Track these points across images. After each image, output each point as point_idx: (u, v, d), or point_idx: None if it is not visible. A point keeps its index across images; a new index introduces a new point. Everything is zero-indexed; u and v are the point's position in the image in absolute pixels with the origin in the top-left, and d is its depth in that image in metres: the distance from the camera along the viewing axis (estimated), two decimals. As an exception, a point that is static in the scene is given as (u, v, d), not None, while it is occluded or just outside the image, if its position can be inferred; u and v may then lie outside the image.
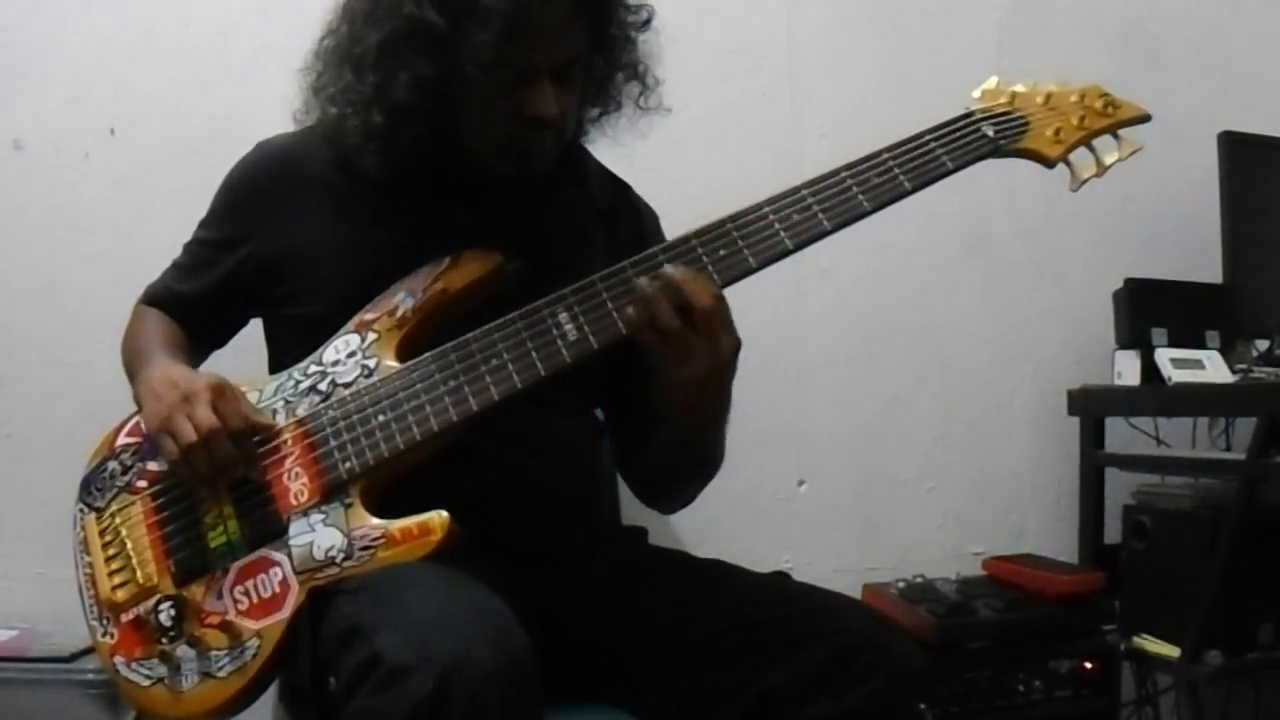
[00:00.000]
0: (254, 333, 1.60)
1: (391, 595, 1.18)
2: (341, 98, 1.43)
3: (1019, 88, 1.43)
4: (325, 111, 1.47)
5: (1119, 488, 2.33)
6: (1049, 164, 1.42)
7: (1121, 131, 1.43)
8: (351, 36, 1.42)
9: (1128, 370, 2.25)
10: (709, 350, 1.30)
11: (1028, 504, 2.52)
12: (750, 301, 1.36)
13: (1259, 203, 2.36)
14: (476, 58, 1.32)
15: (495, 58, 1.32)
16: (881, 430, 2.45)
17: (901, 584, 2.15)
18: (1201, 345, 2.25)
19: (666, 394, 1.35)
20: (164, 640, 1.32)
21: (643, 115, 1.55)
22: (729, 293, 1.33)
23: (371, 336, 1.41)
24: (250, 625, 1.29)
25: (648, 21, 1.51)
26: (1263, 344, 2.34)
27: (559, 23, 1.37)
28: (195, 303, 1.57)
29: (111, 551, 1.39)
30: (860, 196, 1.36)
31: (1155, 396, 2.22)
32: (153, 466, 1.41)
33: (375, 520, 1.30)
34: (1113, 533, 2.29)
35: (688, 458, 1.49)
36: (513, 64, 1.35)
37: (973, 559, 2.34)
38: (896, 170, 1.36)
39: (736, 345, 1.33)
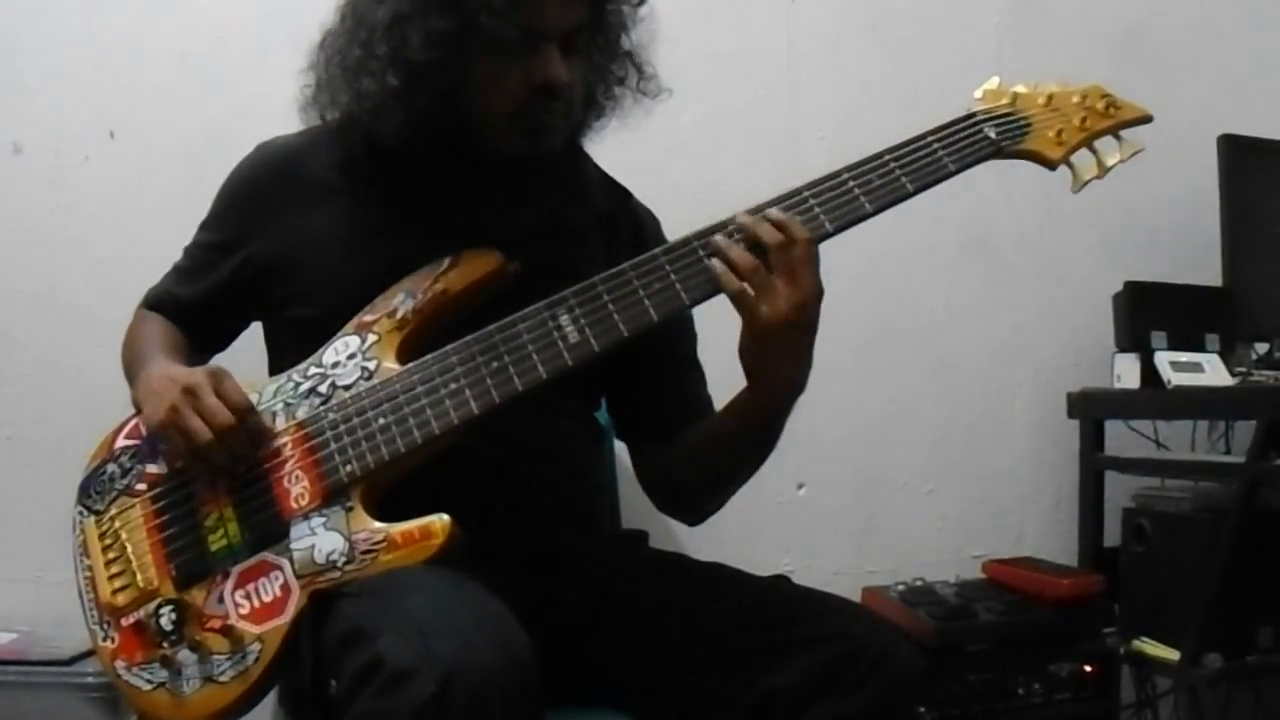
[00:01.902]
0: (254, 335, 1.60)
1: (393, 598, 1.18)
2: (353, 74, 1.41)
3: (1020, 89, 1.43)
4: (334, 98, 1.46)
5: (1118, 491, 2.33)
6: (1051, 165, 1.42)
7: (1123, 132, 1.43)
8: (356, 23, 1.42)
9: (1127, 373, 2.25)
10: (789, 288, 1.29)
11: (1027, 507, 2.52)
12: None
13: (1258, 206, 2.36)
14: (490, 7, 1.32)
15: (507, 10, 1.33)
16: (881, 433, 2.45)
17: (901, 587, 2.15)
18: (1201, 348, 2.25)
19: (752, 342, 1.33)
20: (165, 644, 1.32)
21: (644, 102, 1.55)
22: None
23: (371, 338, 1.41)
24: (251, 629, 1.29)
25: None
26: (1262, 347, 2.35)
27: None
28: (195, 306, 1.57)
29: (111, 555, 1.39)
30: (862, 198, 1.35)
31: (1155, 399, 2.22)
32: (152, 469, 1.41)
33: (376, 524, 1.29)
34: (1112, 536, 2.29)
35: (751, 438, 1.47)
36: (524, 24, 1.35)
37: (972, 562, 2.34)
38: (898, 171, 1.36)
39: (819, 290, 1.32)
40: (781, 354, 1.34)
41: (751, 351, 1.34)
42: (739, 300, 1.31)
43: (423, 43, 1.35)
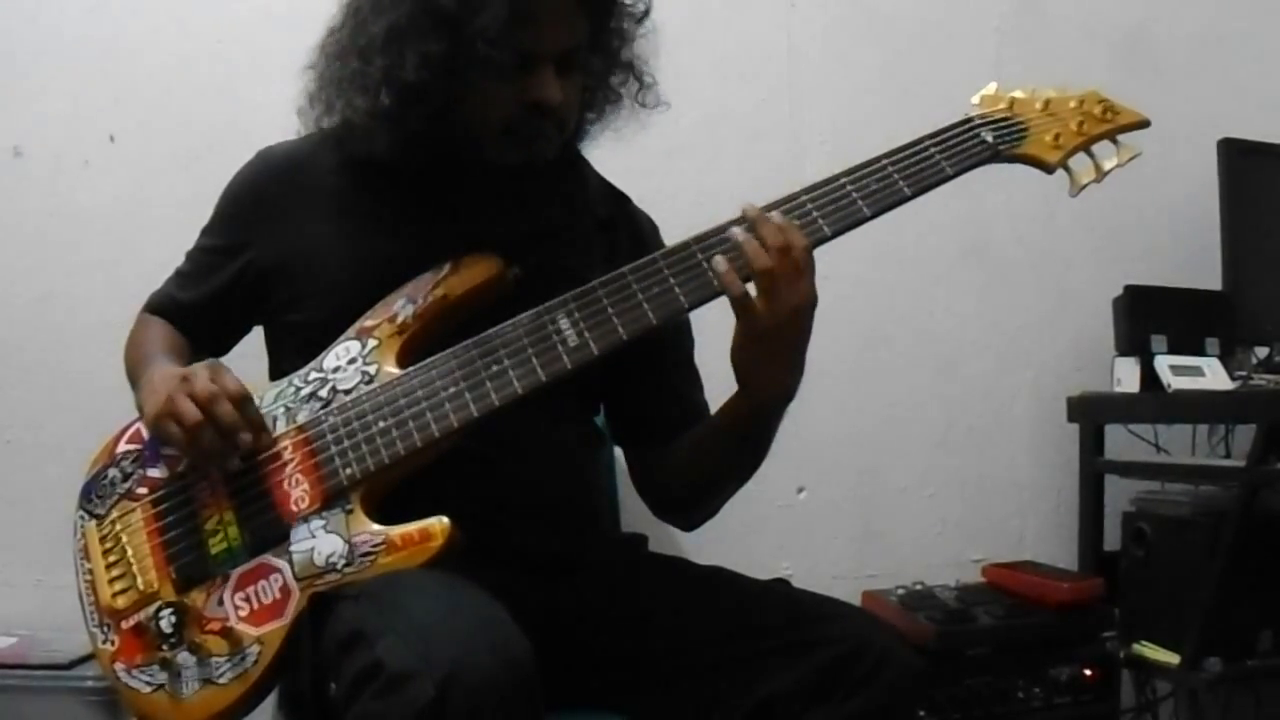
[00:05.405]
0: (255, 340, 1.60)
1: (392, 601, 1.18)
2: (349, 84, 1.43)
3: (1018, 93, 1.44)
4: (331, 104, 1.47)
5: (1118, 495, 2.33)
6: (1048, 169, 1.42)
7: (1120, 137, 1.44)
8: (357, 28, 1.42)
9: (1127, 377, 2.26)
10: (788, 291, 1.29)
11: (1027, 511, 2.52)
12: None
13: (1259, 209, 2.36)
14: (485, 34, 1.33)
15: (503, 36, 1.33)
16: (881, 437, 2.45)
17: (901, 591, 2.16)
18: (1201, 352, 2.25)
19: (747, 344, 1.33)
20: (165, 647, 1.32)
21: (640, 112, 1.55)
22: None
23: (372, 343, 1.41)
24: (251, 631, 1.29)
25: (646, 13, 1.51)
26: (1262, 351, 2.35)
27: (563, 8, 1.39)
28: (197, 310, 1.57)
29: (112, 558, 1.39)
30: (860, 202, 1.36)
31: (1155, 403, 2.22)
32: (153, 473, 1.41)
33: (376, 526, 1.30)
34: (1112, 540, 2.29)
35: (742, 444, 1.47)
36: (519, 47, 1.36)
37: (972, 566, 2.34)
38: (896, 176, 1.36)
39: (814, 297, 1.32)
40: (775, 358, 1.35)
41: (746, 354, 1.34)
42: (741, 301, 1.31)
43: (417, 64, 1.36)
